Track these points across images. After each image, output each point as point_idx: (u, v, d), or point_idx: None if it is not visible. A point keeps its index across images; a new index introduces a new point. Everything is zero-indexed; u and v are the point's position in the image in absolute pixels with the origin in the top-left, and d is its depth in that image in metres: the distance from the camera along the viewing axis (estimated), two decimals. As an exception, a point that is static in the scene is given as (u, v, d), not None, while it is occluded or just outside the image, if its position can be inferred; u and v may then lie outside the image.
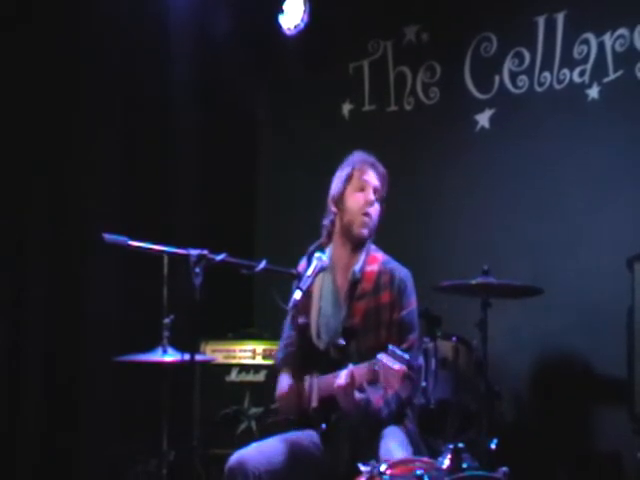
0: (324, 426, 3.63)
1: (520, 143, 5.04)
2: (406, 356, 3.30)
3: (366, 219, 3.73)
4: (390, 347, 3.34)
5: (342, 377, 3.49)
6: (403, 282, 3.73)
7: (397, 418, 3.68)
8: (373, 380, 3.42)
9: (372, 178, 3.77)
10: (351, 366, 3.50)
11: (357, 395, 3.52)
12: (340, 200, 3.77)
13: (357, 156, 3.81)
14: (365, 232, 3.74)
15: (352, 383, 3.47)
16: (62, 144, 5.05)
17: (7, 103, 4.84)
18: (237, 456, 3.55)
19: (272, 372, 4.79)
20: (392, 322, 3.69)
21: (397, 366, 3.27)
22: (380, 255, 3.81)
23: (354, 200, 3.75)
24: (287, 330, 3.88)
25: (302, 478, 3.61)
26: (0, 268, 4.83)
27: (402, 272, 3.76)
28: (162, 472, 4.05)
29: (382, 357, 3.32)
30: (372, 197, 3.74)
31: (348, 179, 3.76)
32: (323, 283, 3.81)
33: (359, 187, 3.75)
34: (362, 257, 3.76)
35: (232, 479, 3.51)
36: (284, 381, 3.77)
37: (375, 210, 3.76)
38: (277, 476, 3.54)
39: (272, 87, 5.85)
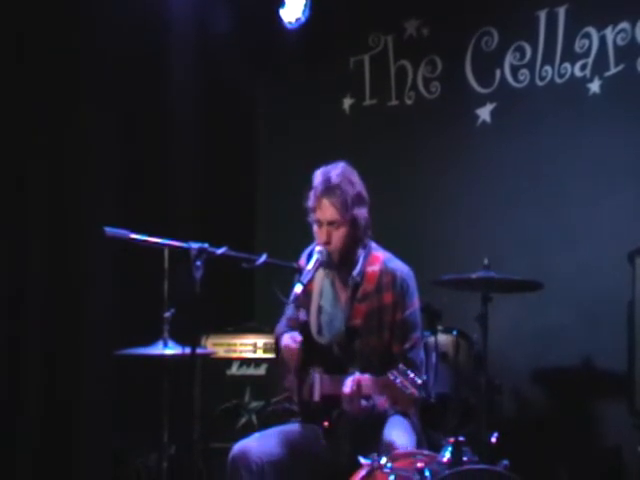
0: (326, 423, 3.63)
1: (521, 137, 5.04)
2: (418, 380, 3.27)
3: (328, 248, 3.69)
4: (401, 366, 3.31)
5: (348, 385, 3.48)
6: (405, 282, 3.70)
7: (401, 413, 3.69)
8: (380, 394, 3.42)
9: (325, 212, 3.66)
10: (357, 374, 3.50)
11: (363, 402, 3.51)
12: (312, 227, 3.77)
13: (316, 181, 3.70)
14: (332, 256, 3.69)
15: (358, 392, 3.46)
16: (62, 138, 5.04)
17: (8, 100, 4.83)
18: (240, 446, 3.58)
19: (273, 366, 4.82)
20: (395, 322, 3.67)
21: (409, 390, 3.25)
22: (381, 254, 3.78)
23: (315, 232, 3.73)
24: (290, 310, 3.87)
25: (304, 470, 3.62)
26: (0, 262, 4.83)
27: (404, 272, 3.73)
28: (162, 466, 4.05)
29: (395, 377, 3.28)
30: (324, 237, 3.67)
31: (310, 211, 3.72)
32: (323, 282, 3.81)
33: (317, 222, 3.71)
34: (360, 259, 3.74)
35: (235, 469, 3.54)
36: (286, 336, 3.73)
37: (335, 238, 3.67)
38: (279, 467, 3.56)
39: (273, 81, 5.84)
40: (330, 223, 3.66)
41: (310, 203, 3.71)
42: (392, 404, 3.42)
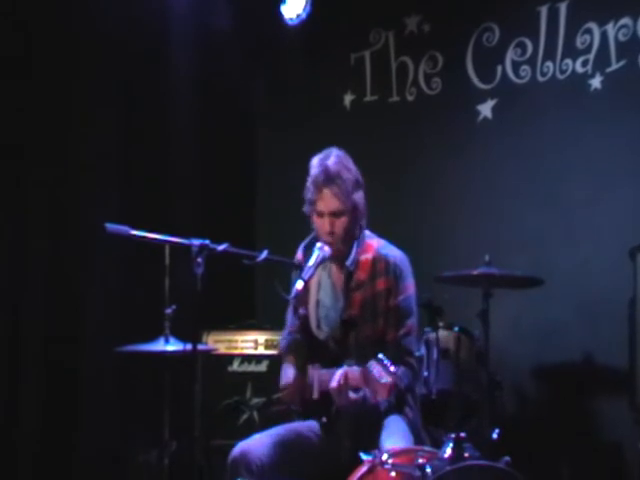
0: (324, 419, 3.64)
1: (522, 133, 5.04)
2: (393, 369, 3.27)
3: (329, 239, 3.69)
4: (380, 356, 3.32)
5: (335, 379, 3.48)
6: (398, 267, 3.70)
7: (398, 406, 3.68)
8: (365, 385, 3.42)
9: (327, 202, 3.66)
10: (345, 367, 3.50)
11: (352, 395, 3.50)
12: (310, 218, 3.76)
13: (314, 171, 3.69)
14: (332, 248, 3.69)
15: (345, 384, 3.46)
16: (62, 135, 5.04)
17: (7, 99, 4.84)
18: (240, 447, 3.57)
19: (274, 362, 4.82)
20: (389, 309, 3.67)
21: (384, 380, 3.26)
22: (375, 242, 3.78)
23: (316, 224, 3.73)
24: (290, 318, 3.89)
25: (304, 469, 3.61)
26: (0, 261, 4.83)
27: (397, 257, 3.73)
28: (164, 462, 4.05)
29: (373, 367, 3.30)
30: (327, 227, 3.67)
31: (310, 203, 3.72)
32: (321, 275, 3.80)
33: (318, 212, 3.70)
34: (354, 248, 3.73)
35: (235, 470, 3.53)
36: (289, 371, 3.76)
37: (338, 227, 3.68)
38: (280, 467, 3.55)
39: (273, 77, 5.83)
40: (332, 214, 3.67)
41: (310, 195, 3.70)
42: (373, 395, 3.41)
